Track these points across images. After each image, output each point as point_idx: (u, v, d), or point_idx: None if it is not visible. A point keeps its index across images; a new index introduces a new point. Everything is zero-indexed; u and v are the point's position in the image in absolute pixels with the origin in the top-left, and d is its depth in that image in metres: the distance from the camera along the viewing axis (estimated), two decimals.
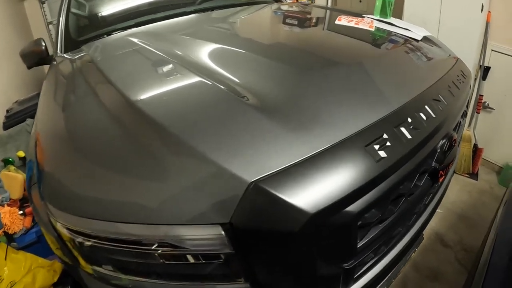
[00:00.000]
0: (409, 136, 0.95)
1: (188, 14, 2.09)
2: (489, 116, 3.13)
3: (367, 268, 1.07)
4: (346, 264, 0.93)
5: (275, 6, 2.39)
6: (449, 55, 1.71)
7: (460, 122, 1.45)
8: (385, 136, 0.91)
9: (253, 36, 1.75)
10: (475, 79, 3.01)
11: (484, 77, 3.00)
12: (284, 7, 2.31)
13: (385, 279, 1.17)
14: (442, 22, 2.97)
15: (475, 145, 3.17)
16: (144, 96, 1.07)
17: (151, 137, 0.91)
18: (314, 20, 2.01)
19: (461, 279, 2.14)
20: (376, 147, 0.87)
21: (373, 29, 1.76)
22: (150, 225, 0.80)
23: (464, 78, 1.53)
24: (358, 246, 0.92)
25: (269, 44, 1.61)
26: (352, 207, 0.81)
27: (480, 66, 2.97)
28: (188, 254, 0.83)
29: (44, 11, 4.09)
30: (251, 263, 0.82)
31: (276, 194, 0.74)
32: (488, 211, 2.76)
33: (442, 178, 1.22)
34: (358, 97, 1.05)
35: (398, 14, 3.91)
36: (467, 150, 3.10)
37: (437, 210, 1.48)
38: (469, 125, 3.16)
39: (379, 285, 1.15)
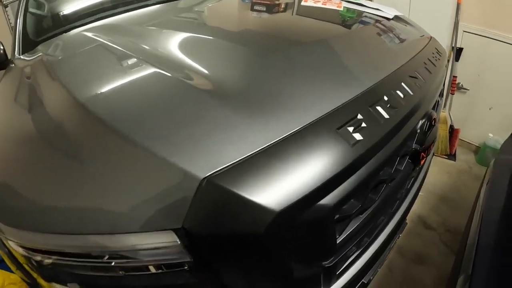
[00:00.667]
0: (386, 116, 0.83)
1: (154, 5, 1.93)
2: (463, 96, 3.07)
3: (350, 263, 0.95)
4: (326, 262, 0.82)
5: None
6: (422, 34, 1.61)
7: (438, 101, 1.35)
8: (359, 116, 0.78)
9: (220, 24, 1.61)
10: (448, 60, 2.93)
11: (457, 58, 2.94)
12: None
13: (370, 270, 1.06)
14: (413, 4, 2.89)
15: (451, 126, 3.11)
16: (92, 94, 0.92)
17: (97, 138, 0.77)
18: (282, 6, 1.88)
19: (448, 260, 2.09)
20: (350, 129, 0.74)
21: (341, 9, 1.64)
22: (98, 235, 0.67)
23: (440, 55, 1.43)
24: (337, 242, 0.80)
25: (236, 31, 1.47)
26: (327, 200, 0.68)
27: (453, 47, 2.90)
28: (147, 264, 0.70)
29: (8, 15, 3.86)
30: (216, 271, 0.69)
31: (234, 191, 0.61)
32: (469, 190, 2.72)
33: (424, 161, 1.11)
34: (327, 77, 0.92)
35: None
36: (444, 132, 3.04)
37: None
38: (444, 106, 3.09)
39: (364, 277, 1.04)
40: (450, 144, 3.09)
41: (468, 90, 3.03)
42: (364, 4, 1.79)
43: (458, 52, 2.92)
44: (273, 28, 1.42)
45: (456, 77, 2.99)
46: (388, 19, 1.57)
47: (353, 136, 0.74)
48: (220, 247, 0.65)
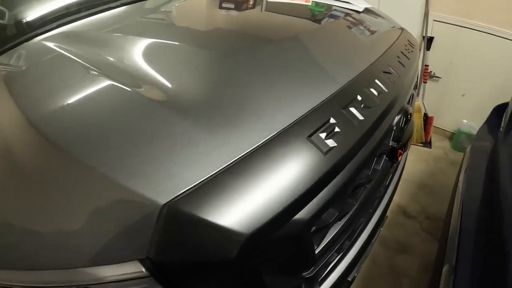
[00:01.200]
0: (361, 117, 0.77)
1: (120, 7, 1.81)
2: (436, 84, 3.05)
3: (332, 267, 0.90)
4: (306, 273, 0.76)
5: None
6: (394, 26, 1.55)
7: (413, 94, 1.30)
8: (332, 120, 0.71)
9: (188, 25, 1.51)
10: (419, 49, 2.91)
11: (428, 47, 2.92)
12: None
13: (354, 269, 1.00)
14: None
15: (425, 114, 3.09)
16: (44, 113, 0.79)
17: (50, 164, 0.66)
18: (251, 2, 1.80)
19: (430, 247, 2.08)
20: (323, 135, 0.67)
21: (309, 4, 1.57)
22: (60, 270, 0.59)
23: (412, 47, 1.38)
24: (316, 252, 0.74)
25: (202, 34, 1.37)
26: (301, 214, 0.62)
27: (424, 36, 2.88)
28: None
29: None
30: None
31: (198, 215, 0.53)
32: (446, 176, 2.72)
33: (401, 157, 1.06)
34: (296, 78, 0.84)
35: None
36: (418, 120, 3.02)
37: None
38: (418, 95, 3.07)
39: (349, 276, 0.98)
40: (425, 132, 3.07)
41: (441, 78, 3.01)
42: None
43: (429, 41, 2.90)
44: (241, 27, 1.33)
45: (428, 66, 2.97)
46: (358, 12, 1.51)
47: (326, 143, 0.66)
48: (192, 275, 0.57)
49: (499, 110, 1.86)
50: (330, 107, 0.74)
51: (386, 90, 0.90)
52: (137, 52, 0.98)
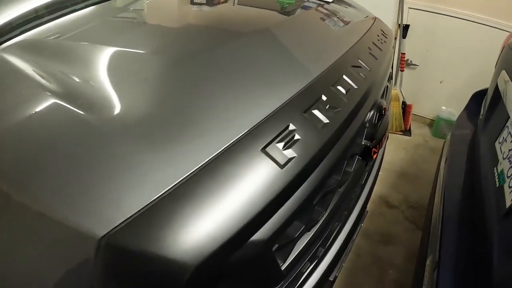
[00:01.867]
0: (325, 120, 0.67)
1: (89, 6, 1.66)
2: (414, 72, 3.00)
3: (308, 274, 0.81)
4: None
5: None
6: (366, 15, 1.46)
7: (387, 86, 1.21)
8: (291, 127, 0.61)
9: (155, 25, 1.38)
10: (395, 38, 2.83)
11: (404, 35, 2.85)
12: None
13: (335, 269, 0.92)
14: None
15: (404, 103, 3.03)
16: None
17: None
18: None
19: (414, 236, 2.04)
20: (280, 145, 0.57)
21: None
22: None
23: (386, 37, 1.29)
24: (283, 269, 0.65)
25: (171, 34, 1.21)
26: (258, 235, 0.53)
27: (399, 24, 2.80)
28: None
29: None
30: None
31: (139, 247, 0.44)
32: (426, 163, 2.68)
33: (376, 155, 0.97)
34: (253, 81, 0.73)
35: None
36: (397, 109, 2.96)
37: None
38: (395, 83, 3.00)
39: (330, 276, 0.90)
40: (404, 120, 3.01)
41: (418, 65, 2.96)
42: None
43: (405, 29, 2.83)
44: (206, 25, 1.20)
45: (404, 53, 2.90)
46: (327, 2, 1.40)
47: (284, 154, 0.56)
48: None
49: (478, 96, 1.81)
50: (289, 111, 0.64)
51: (355, 87, 0.80)
52: (91, 64, 0.84)
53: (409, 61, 2.95)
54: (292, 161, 0.56)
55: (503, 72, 1.32)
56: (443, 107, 2.93)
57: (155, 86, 0.70)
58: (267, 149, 0.55)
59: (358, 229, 1.09)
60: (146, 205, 0.46)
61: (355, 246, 1.96)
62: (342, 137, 0.70)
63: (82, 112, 0.60)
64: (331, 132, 0.65)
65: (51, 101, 0.65)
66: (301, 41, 0.97)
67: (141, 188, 0.48)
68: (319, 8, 1.30)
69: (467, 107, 1.86)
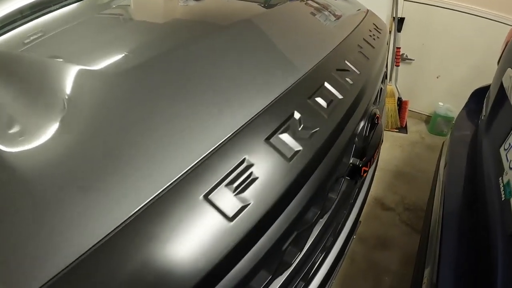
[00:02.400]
0: (298, 147, 0.50)
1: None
2: (409, 67, 2.84)
3: None
4: None
5: None
6: (357, 8, 1.29)
7: (382, 88, 1.05)
8: (248, 160, 0.44)
9: (147, 18, 1.21)
10: (390, 32, 2.67)
11: (399, 29, 2.69)
12: None
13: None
14: None
15: (400, 99, 2.88)
16: None
17: None
18: None
19: (411, 240, 1.92)
20: (228, 190, 0.41)
21: None
22: None
23: (379, 32, 1.13)
24: None
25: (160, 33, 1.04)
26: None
27: (394, 18, 2.63)
28: None
29: None
30: None
31: None
32: (423, 161, 2.54)
33: (366, 174, 0.82)
34: (212, 99, 0.53)
35: None
36: (392, 105, 2.81)
37: None
38: (390, 79, 2.85)
39: None
40: (400, 117, 2.87)
41: (414, 60, 2.80)
42: None
43: (400, 22, 2.66)
44: (183, 20, 1.02)
45: (399, 48, 2.74)
46: None
47: (234, 203, 0.40)
48: None
49: (478, 94, 1.68)
50: (245, 140, 0.47)
51: (340, 97, 0.64)
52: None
53: (405, 55, 2.79)
54: (245, 210, 0.40)
55: (509, 69, 1.17)
56: (440, 103, 2.78)
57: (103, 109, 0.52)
58: (210, 197, 0.39)
59: (350, 243, 0.95)
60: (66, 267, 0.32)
61: (350, 251, 1.83)
62: (320, 165, 0.54)
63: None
64: (302, 164, 0.49)
65: None
66: (281, 42, 0.78)
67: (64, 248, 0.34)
68: (308, 1, 1.13)
69: (466, 106, 1.73)
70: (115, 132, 0.46)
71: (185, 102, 0.51)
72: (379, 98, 1.01)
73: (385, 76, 1.10)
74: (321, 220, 0.65)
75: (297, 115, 0.53)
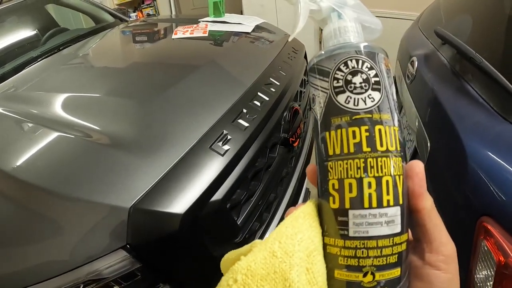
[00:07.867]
0: (246, 124, 1.13)
1: (40, 59, 1.94)
2: None
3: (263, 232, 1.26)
4: (236, 240, 1.11)
5: (122, 26, 2.42)
6: (281, 36, 1.92)
7: (301, 91, 1.67)
8: (225, 132, 1.08)
9: (108, 63, 1.79)
10: (320, 42, 3.35)
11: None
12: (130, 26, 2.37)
13: None
14: (279, 9, 3.24)
15: None
16: (14, 163, 1.06)
17: (33, 200, 0.96)
18: (161, 32, 2.14)
19: None
20: (220, 143, 1.04)
21: (207, 34, 1.86)
22: (70, 271, 0.87)
23: (296, 53, 1.76)
24: (238, 223, 1.10)
25: (122, 73, 1.66)
26: (216, 197, 0.98)
27: (321, 28, 3.29)
28: (111, 281, 0.91)
29: None
30: (161, 268, 0.95)
31: (152, 209, 0.87)
32: None
33: (297, 143, 1.44)
34: (195, 110, 1.18)
35: (238, 6, 4.18)
36: None
37: None
38: None
39: None
40: None
41: None
42: (228, 21, 2.04)
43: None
44: (149, 63, 1.69)
45: None
46: (248, 33, 1.87)
47: (223, 148, 1.04)
48: (155, 250, 0.91)
49: None
50: (223, 123, 1.12)
51: (267, 99, 1.27)
52: (65, 104, 1.32)
53: None
54: (228, 151, 1.03)
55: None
56: None
57: (136, 117, 1.18)
58: (213, 147, 1.02)
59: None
60: (152, 185, 0.92)
61: None
62: (260, 134, 1.17)
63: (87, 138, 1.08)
64: (250, 131, 1.13)
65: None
66: (226, 75, 1.47)
67: (147, 176, 0.94)
68: (242, 39, 1.78)
69: None
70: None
71: (192, 109, 1.18)
72: (300, 97, 1.64)
73: (304, 83, 1.73)
74: (269, 169, 1.27)
75: (244, 110, 1.17)
